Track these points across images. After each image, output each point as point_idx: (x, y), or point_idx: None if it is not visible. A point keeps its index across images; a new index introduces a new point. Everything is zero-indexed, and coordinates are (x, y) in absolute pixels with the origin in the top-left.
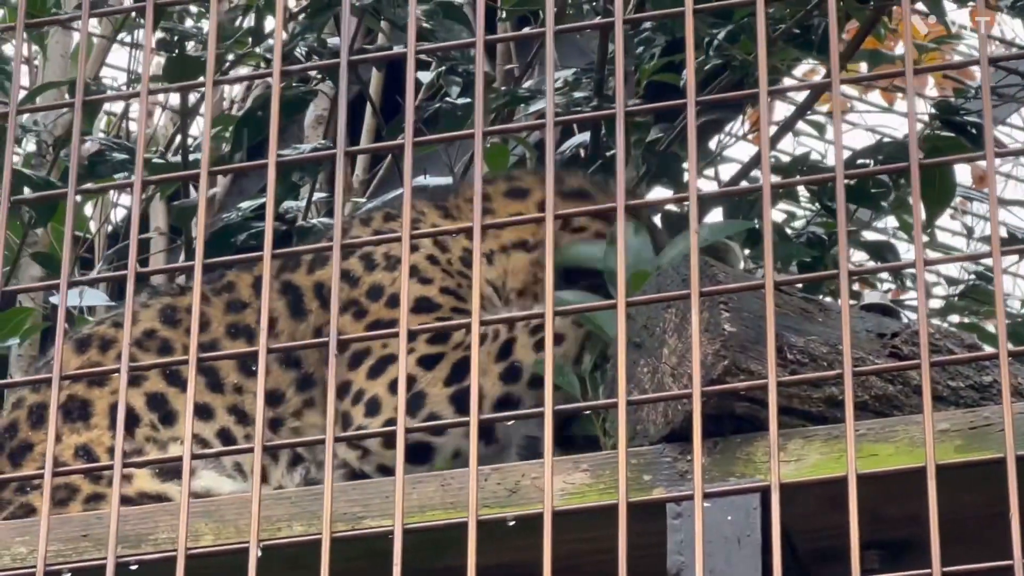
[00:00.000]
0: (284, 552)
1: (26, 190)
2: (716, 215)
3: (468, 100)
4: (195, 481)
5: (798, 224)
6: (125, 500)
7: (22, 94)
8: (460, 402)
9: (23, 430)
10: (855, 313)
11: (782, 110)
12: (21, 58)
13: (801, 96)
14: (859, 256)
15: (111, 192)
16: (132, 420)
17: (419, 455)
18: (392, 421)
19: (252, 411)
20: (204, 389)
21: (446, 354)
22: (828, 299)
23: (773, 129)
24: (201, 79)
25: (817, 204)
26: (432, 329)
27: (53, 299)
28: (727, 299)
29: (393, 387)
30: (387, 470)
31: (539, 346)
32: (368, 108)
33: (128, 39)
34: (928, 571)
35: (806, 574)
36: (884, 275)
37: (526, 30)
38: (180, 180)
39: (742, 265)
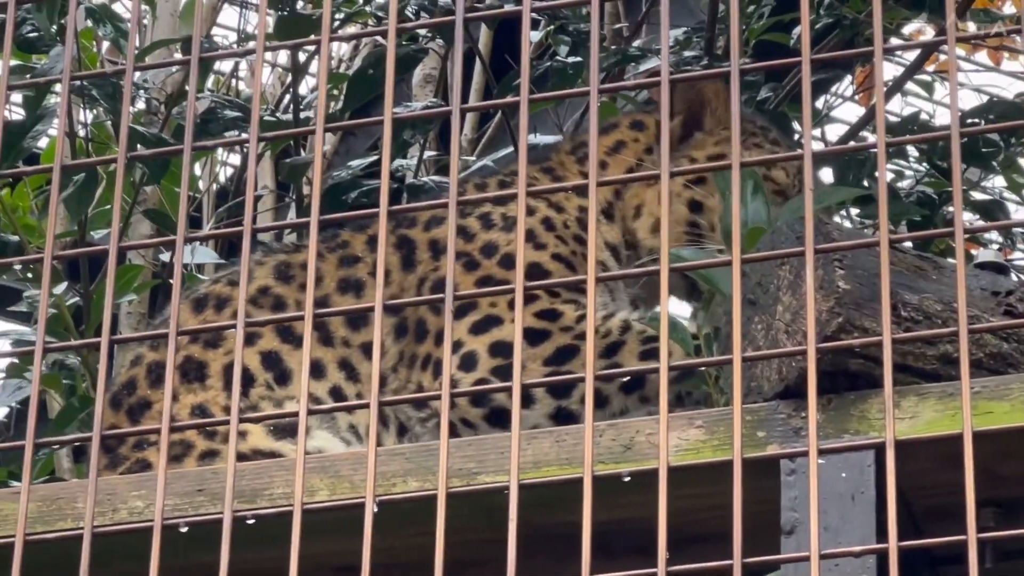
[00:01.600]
0: (399, 508)
1: (139, 148)
2: (825, 177)
3: (578, 59)
4: (309, 441)
5: (906, 184)
6: (239, 457)
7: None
8: (552, 388)
9: (141, 388)
10: (969, 271)
11: (889, 71)
12: (137, 14)
13: (908, 58)
14: (967, 216)
15: (219, 151)
16: (247, 380)
17: (501, 420)
18: (483, 381)
19: (359, 365)
20: (316, 344)
21: (552, 334)
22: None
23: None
24: (315, 36)
25: (926, 164)
26: (551, 284)
27: (163, 256)
28: (841, 256)
29: (494, 348)
30: (469, 424)
31: (645, 356)
32: (477, 66)
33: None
34: None
35: (919, 532)
36: (994, 235)
37: None
38: (294, 136)
39: None
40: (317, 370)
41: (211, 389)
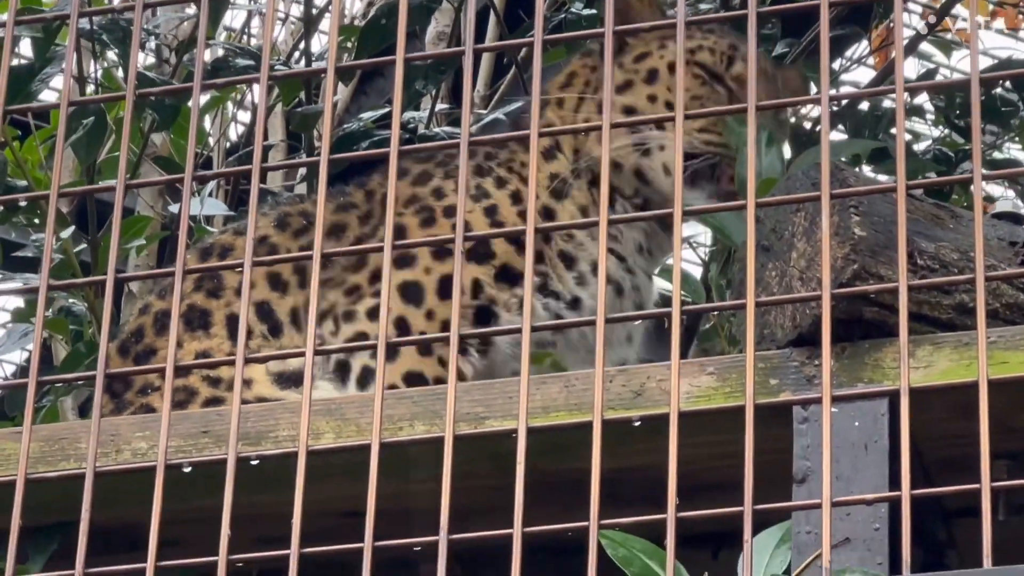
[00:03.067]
0: (405, 451)
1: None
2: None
3: (592, 11)
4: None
5: (923, 145)
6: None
7: None
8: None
9: (148, 335)
10: (986, 221)
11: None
12: None
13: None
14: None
15: (229, 106)
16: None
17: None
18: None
19: (327, 303)
20: (297, 290)
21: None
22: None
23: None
24: None
25: (942, 122)
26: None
27: (172, 208)
28: (857, 203)
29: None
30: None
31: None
32: (491, 21)
33: None
34: None
35: (931, 483)
36: (1009, 192)
37: None
38: (305, 77)
39: None
40: (298, 319)
41: (215, 337)
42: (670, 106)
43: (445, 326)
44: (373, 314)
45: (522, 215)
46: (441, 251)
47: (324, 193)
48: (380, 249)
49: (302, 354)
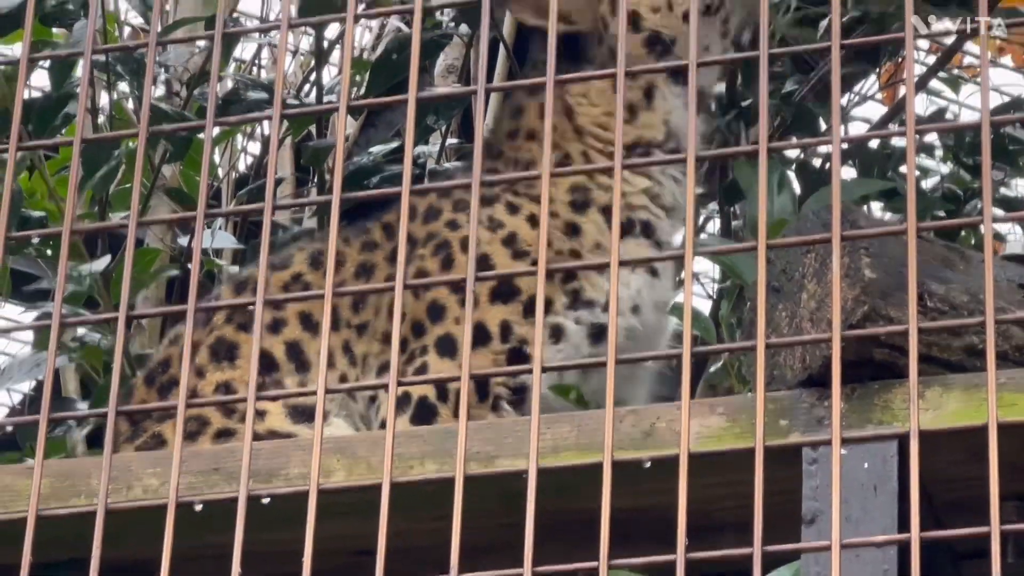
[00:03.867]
0: (416, 491)
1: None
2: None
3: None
4: (326, 428)
5: (931, 183)
6: (255, 437)
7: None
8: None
9: (175, 366)
10: (996, 263)
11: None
12: None
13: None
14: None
15: (239, 138)
16: (271, 366)
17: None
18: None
19: (355, 346)
20: (330, 330)
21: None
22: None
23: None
24: (342, 14)
25: (952, 162)
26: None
27: (182, 241)
28: (868, 244)
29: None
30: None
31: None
32: (501, 54)
33: None
34: None
35: (941, 525)
36: (1018, 232)
37: None
38: (317, 114)
39: None
40: (328, 358)
41: (239, 368)
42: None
43: (484, 380)
44: (415, 370)
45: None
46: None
47: (336, 230)
48: (391, 289)
49: (313, 393)
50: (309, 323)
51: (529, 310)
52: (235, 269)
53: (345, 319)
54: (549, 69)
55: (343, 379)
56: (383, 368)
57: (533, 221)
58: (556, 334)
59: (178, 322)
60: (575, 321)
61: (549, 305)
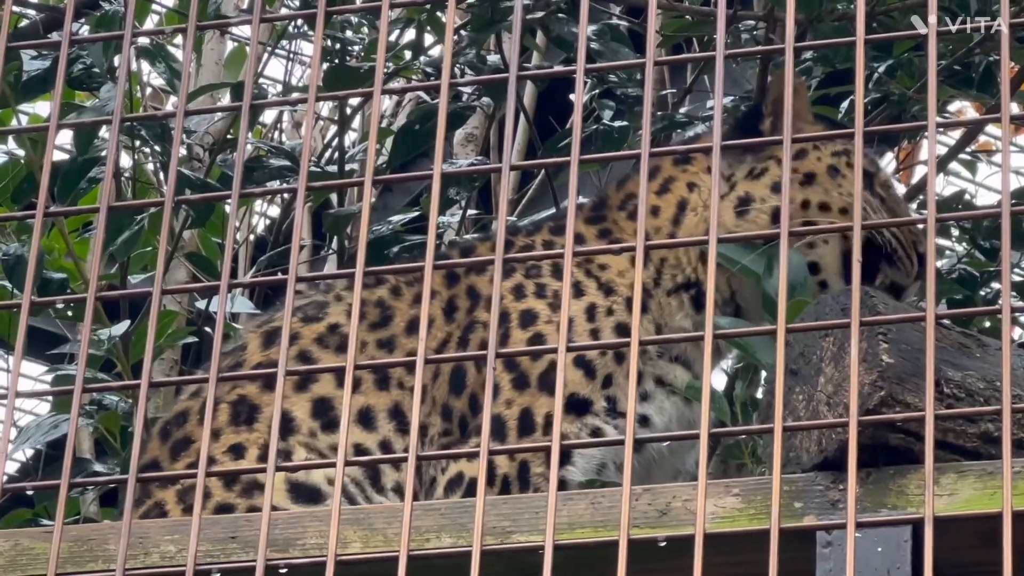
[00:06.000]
0: (432, 563)
1: (186, 192)
2: None
3: (624, 123)
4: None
5: (945, 263)
6: (251, 511)
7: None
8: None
9: (191, 423)
10: (1013, 351)
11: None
12: (189, 60)
13: (950, 139)
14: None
15: (257, 202)
16: (289, 427)
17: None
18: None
19: (410, 412)
20: (372, 388)
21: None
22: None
23: (922, 169)
24: (368, 88)
25: (966, 243)
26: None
27: (199, 304)
28: (886, 330)
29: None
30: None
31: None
32: (522, 125)
33: (283, 52)
34: None
35: None
36: None
37: (694, 54)
38: (341, 188)
39: None
40: (367, 419)
41: (255, 432)
42: (823, 208)
43: (525, 467)
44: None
45: (594, 333)
46: (520, 380)
47: (358, 305)
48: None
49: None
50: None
51: (570, 407)
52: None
53: (397, 378)
54: (574, 151)
55: (384, 445)
56: (445, 446)
57: (591, 314)
58: (596, 436)
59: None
60: (615, 428)
61: (588, 406)
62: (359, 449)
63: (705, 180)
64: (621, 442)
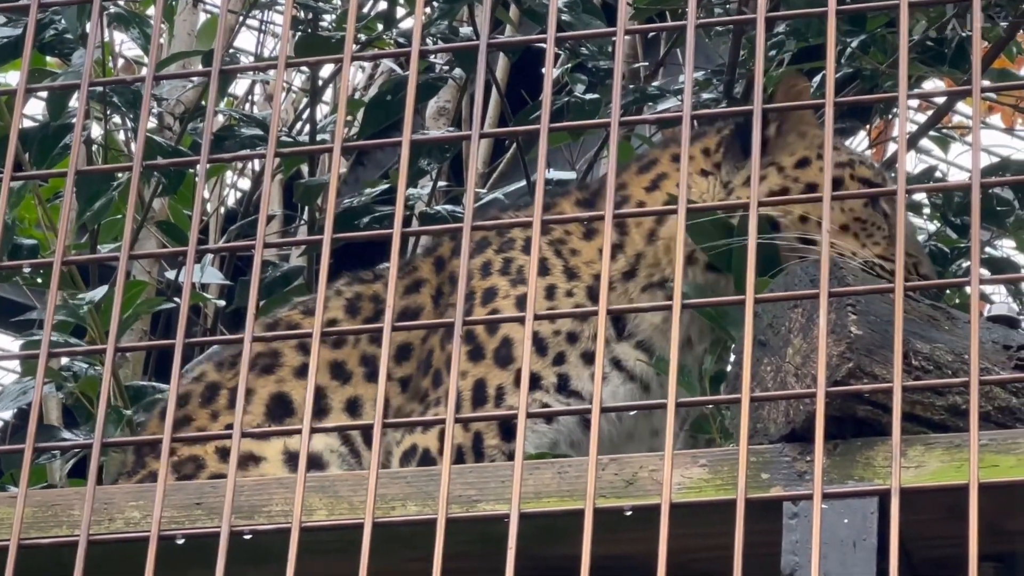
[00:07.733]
0: (397, 531)
1: (157, 158)
2: None
3: (595, 96)
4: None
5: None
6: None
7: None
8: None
9: (192, 404)
10: (981, 324)
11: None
12: (160, 22)
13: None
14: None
15: (228, 173)
16: (289, 409)
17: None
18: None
19: (393, 399)
20: (361, 381)
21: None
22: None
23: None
24: (339, 55)
25: (937, 219)
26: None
27: (169, 274)
28: (854, 301)
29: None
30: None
31: None
32: (494, 97)
33: (255, 22)
34: None
35: None
36: (1002, 292)
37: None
38: (311, 154)
39: None
40: (355, 406)
41: (249, 414)
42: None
43: (479, 437)
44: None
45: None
46: (475, 352)
47: (326, 269)
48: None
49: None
50: (340, 372)
51: (517, 382)
52: (221, 303)
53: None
54: (544, 118)
55: (367, 432)
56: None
57: (550, 292)
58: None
59: (192, 358)
60: (564, 405)
61: (538, 381)
62: (344, 436)
63: (698, 181)
64: (588, 410)
